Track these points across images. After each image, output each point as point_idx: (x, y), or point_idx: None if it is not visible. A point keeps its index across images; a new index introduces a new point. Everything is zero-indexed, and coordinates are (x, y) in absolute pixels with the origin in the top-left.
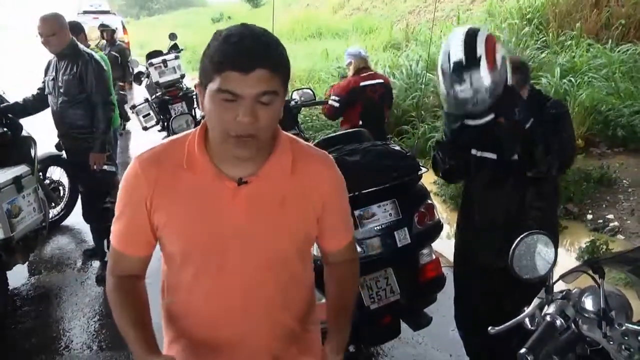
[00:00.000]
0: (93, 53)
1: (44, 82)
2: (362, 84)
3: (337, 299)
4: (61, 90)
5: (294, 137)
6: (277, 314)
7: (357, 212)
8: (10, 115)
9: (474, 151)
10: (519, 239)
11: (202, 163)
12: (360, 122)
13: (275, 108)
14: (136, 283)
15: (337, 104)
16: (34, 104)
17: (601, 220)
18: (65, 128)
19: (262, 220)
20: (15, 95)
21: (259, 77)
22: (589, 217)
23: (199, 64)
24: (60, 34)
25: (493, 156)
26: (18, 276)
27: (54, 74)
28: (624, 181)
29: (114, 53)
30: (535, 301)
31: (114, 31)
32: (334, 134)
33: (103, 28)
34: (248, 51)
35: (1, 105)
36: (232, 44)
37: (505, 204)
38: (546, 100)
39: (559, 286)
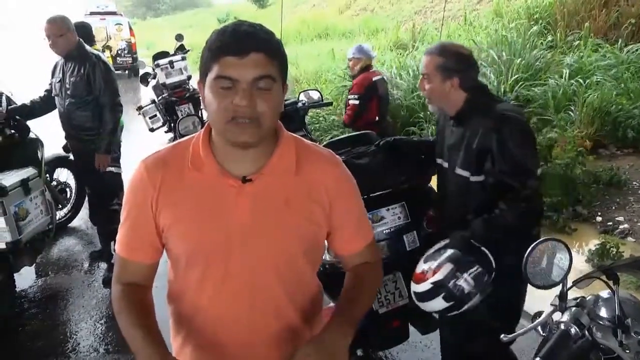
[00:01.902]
0: (100, 54)
1: (50, 83)
2: (373, 79)
3: (347, 295)
4: (68, 92)
5: (298, 136)
6: (284, 314)
7: None
8: (17, 117)
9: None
10: (532, 245)
11: (207, 162)
12: (377, 118)
13: (274, 96)
14: (143, 292)
15: (357, 101)
16: (41, 106)
17: (611, 223)
18: (72, 130)
19: (267, 219)
20: (22, 96)
21: (255, 61)
22: (599, 219)
23: (199, 62)
24: (67, 35)
25: (446, 164)
26: (25, 278)
27: (60, 75)
28: (634, 183)
29: None
30: (549, 308)
31: None
32: (342, 137)
33: None
34: (243, 36)
35: (9, 107)
36: (227, 33)
37: (460, 205)
38: (494, 112)
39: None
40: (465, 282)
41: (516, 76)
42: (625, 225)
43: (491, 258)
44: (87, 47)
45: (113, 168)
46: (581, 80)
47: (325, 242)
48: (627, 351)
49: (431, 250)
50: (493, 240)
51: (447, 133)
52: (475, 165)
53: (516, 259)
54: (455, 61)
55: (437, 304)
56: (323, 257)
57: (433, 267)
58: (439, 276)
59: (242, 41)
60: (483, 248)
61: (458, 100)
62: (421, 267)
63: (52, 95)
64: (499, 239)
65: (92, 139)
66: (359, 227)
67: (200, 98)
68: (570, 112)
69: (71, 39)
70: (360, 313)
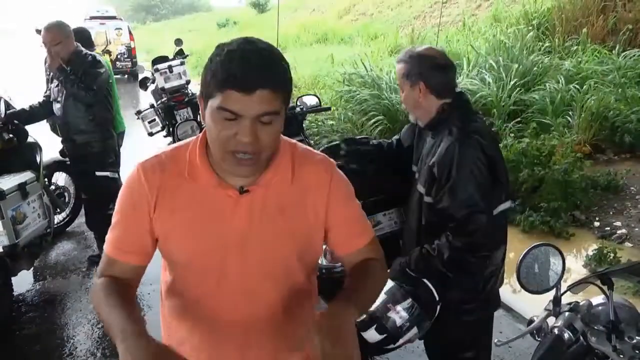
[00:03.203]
0: (97, 55)
1: (49, 89)
2: None
3: (349, 284)
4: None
5: (295, 142)
6: (280, 322)
7: None
8: (16, 122)
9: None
10: (526, 250)
11: (204, 172)
12: None
13: (276, 127)
14: (126, 286)
15: None
16: (40, 111)
17: (608, 228)
18: (68, 133)
19: (263, 228)
20: (22, 101)
21: (261, 98)
22: (596, 224)
23: (202, 74)
24: (65, 42)
25: (417, 175)
26: (23, 282)
27: (58, 81)
28: (632, 188)
29: None
30: (543, 313)
31: None
32: (339, 142)
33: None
34: (250, 71)
35: (8, 112)
36: (235, 62)
37: (417, 221)
38: (459, 132)
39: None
40: (398, 315)
41: (514, 81)
42: (623, 231)
43: (433, 290)
44: (85, 50)
45: (109, 173)
46: (579, 86)
47: (324, 246)
48: (621, 356)
49: None
50: (433, 272)
51: (426, 140)
52: (428, 185)
53: (464, 291)
54: (417, 64)
55: (371, 335)
56: (320, 262)
57: None
58: (371, 308)
59: (248, 77)
60: (425, 280)
61: (431, 107)
62: None
63: (51, 100)
64: (437, 271)
65: (87, 142)
66: (357, 227)
67: (200, 110)
68: (568, 117)
69: (69, 46)
70: (364, 298)
